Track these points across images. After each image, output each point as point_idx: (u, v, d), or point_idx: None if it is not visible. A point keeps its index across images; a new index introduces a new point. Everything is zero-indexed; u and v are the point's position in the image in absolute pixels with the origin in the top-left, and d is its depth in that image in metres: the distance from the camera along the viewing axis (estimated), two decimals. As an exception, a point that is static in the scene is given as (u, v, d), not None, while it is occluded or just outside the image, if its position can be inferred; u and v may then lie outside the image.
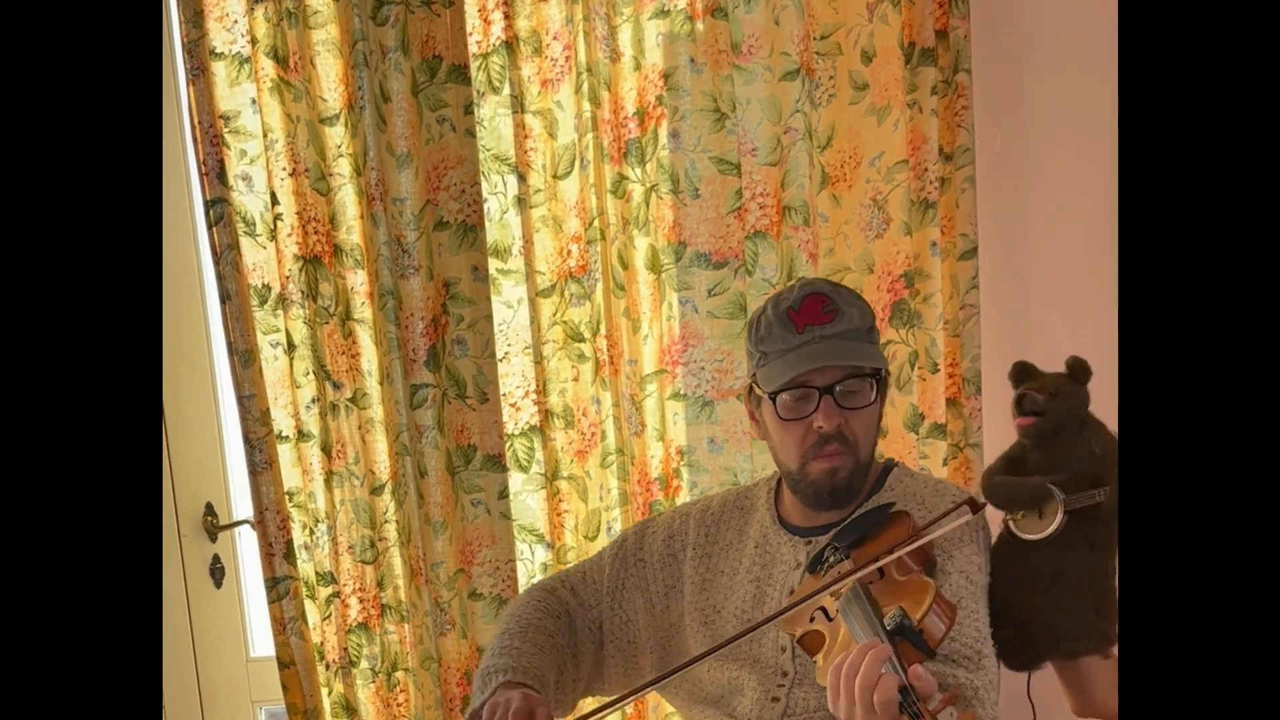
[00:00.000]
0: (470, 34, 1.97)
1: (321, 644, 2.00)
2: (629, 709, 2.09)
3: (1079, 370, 1.53)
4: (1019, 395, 1.54)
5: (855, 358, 1.50)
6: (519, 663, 1.51)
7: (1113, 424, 1.45)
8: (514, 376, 2.05)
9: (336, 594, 2.01)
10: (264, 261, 1.95)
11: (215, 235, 1.89)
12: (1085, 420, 1.52)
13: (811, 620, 1.43)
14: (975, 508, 1.44)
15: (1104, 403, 1.47)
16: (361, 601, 2.02)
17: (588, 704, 1.60)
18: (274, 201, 1.93)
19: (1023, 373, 1.56)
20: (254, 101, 1.92)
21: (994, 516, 1.55)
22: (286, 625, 1.95)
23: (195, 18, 1.86)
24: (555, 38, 2.00)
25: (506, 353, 2.05)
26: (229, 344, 1.91)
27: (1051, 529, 1.46)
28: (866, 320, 1.53)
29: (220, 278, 1.90)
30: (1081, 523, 1.47)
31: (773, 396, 1.50)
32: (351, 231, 1.96)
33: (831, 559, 1.48)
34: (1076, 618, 1.48)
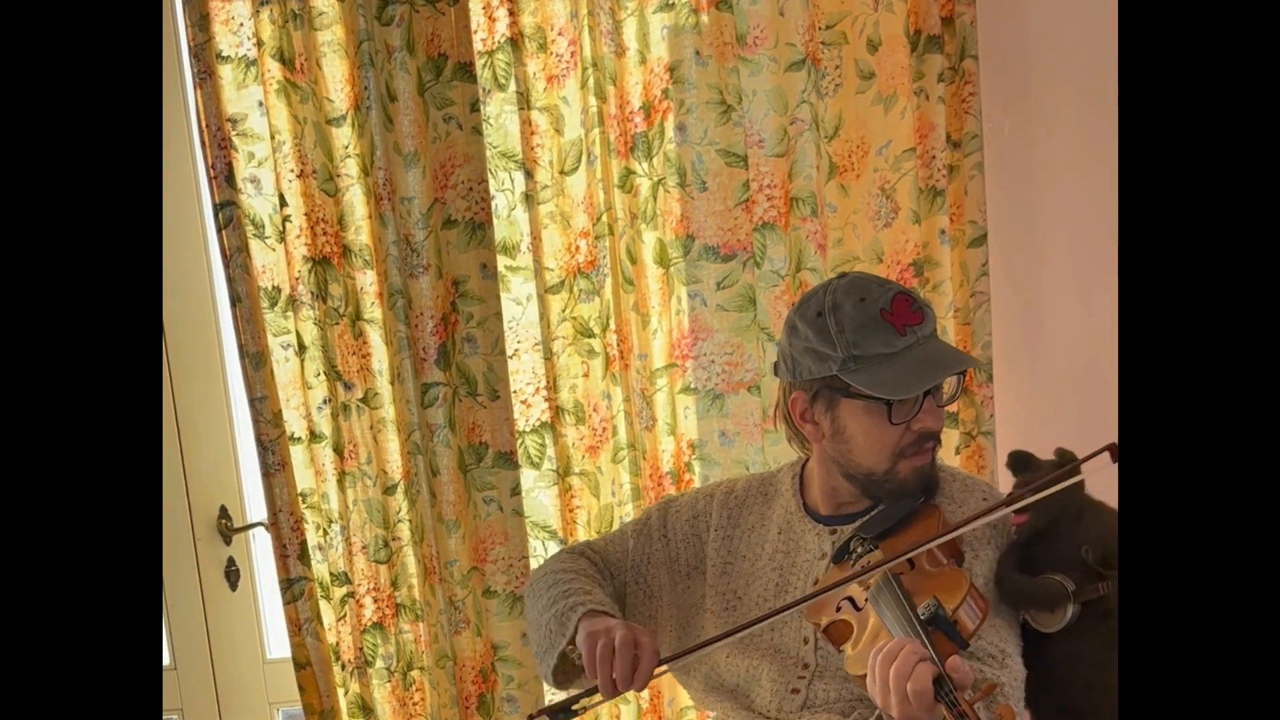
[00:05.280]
0: (475, 31, 1.97)
1: (337, 644, 2.01)
2: (645, 703, 2.09)
3: (1068, 462, 1.50)
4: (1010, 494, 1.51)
5: (967, 361, 1.50)
6: (592, 597, 1.48)
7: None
8: (524, 373, 2.05)
9: (351, 594, 2.01)
10: (273, 263, 1.95)
11: (224, 238, 1.90)
12: (1083, 507, 1.49)
13: (838, 610, 1.42)
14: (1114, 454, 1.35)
15: (1112, 395, 1.46)
16: (376, 601, 2.02)
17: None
18: (282, 203, 1.93)
19: (1018, 463, 1.53)
20: (261, 104, 1.92)
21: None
22: (302, 626, 1.95)
23: (201, 21, 1.86)
24: (560, 33, 2.00)
25: (516, 350, 2.05)
26: (240, 346, 1.91)
27: (1065, 622, 1.45)
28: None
29: (230, 280, 1.90)
30: (1094, 605, 1.45)
31: (888, 403, 1.45)
32: (360, 232, 1.97)
33: (859, 550, 1.47)
34: (1112, 692, 1.46)
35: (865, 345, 1.45)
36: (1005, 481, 1.75)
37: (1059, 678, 1.48)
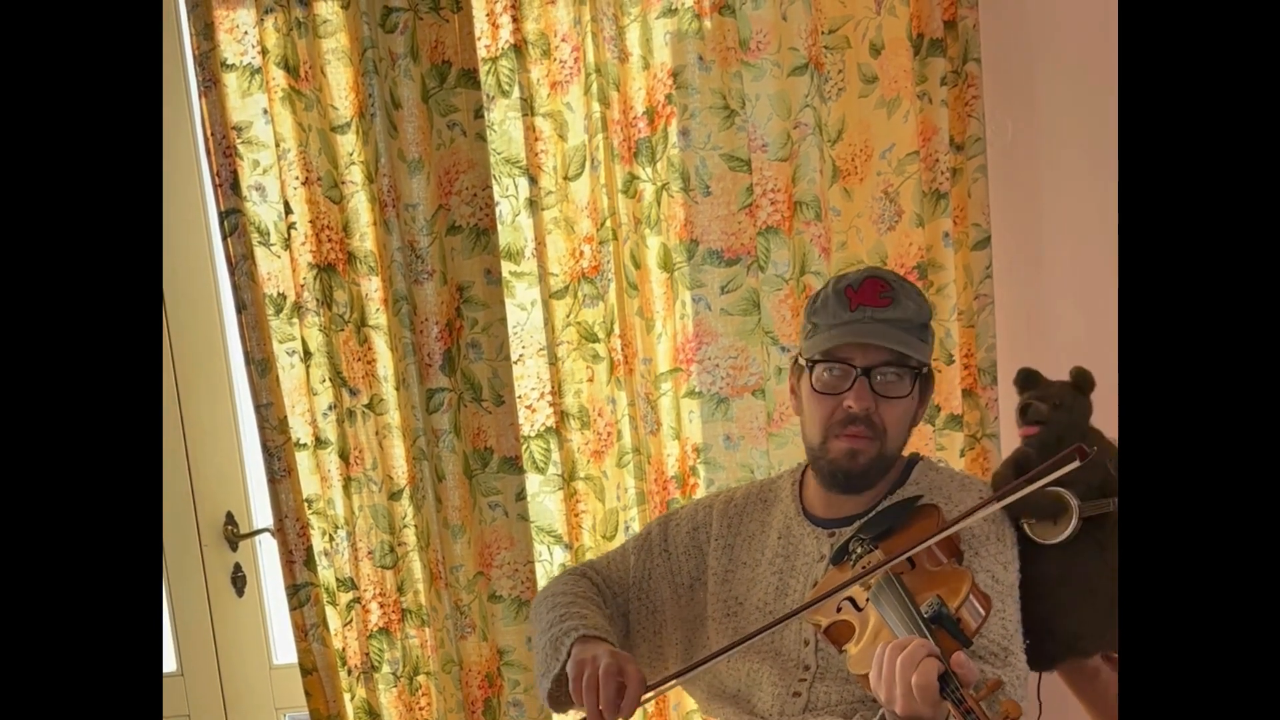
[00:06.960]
0: (479, 38, 1.98)
1: (343, 650, 2.01)
2: (650, 706, 2.09)
3: (1083, 381, 1.54)
4: (1023, 404, 1.54)
5: (900, 345, 1.50)
6: (586, 621, 1.50)
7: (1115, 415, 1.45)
8: (529, 378, 2.05)
9: (357, 599, 2.01)
10: (279, 270, 1.96)
11: (230, 246, 1.90)
12: (1087, 431, 1.53)
13: (839, 610, 1.43)
14: (1084, 455, 1.37)
15: (1114, 397, 1.47)
16: (382, 606, 2.03)
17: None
18: (287, 211, 1.94)
19: (1027, 380, 1.58)
20: (266, 112, 1.93)
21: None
22: (308, 632, 1.95)
23: (206, 30, 1.87)
24: (563, 39, 2.01)
25: (521, 355, 2.05)
26: (246, 353, 1.92)
27: (1066, 534, 1.48)
28: (923, 315, 1.53)
29: (236, 288, 1.91)
30: (1091, 528, 1.48)
31: (810, 365, 1.51)
32: (365, 238, 1.97)
33: (859, 550, 1.48)
34: (1090, 618, 1.49)
35: (821, 315, 1.53)
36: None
37: (1041, 596, 1.50)
